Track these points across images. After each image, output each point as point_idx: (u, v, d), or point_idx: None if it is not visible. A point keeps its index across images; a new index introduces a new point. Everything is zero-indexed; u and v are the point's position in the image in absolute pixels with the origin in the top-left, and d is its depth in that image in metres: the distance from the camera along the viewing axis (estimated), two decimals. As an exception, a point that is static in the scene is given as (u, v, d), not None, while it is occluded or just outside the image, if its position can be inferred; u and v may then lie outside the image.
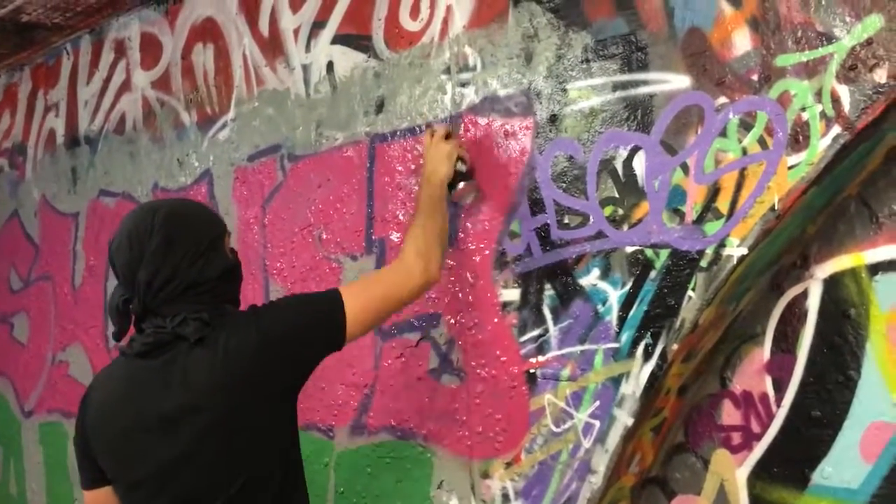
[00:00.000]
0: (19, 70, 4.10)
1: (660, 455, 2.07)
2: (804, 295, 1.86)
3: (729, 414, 1.96)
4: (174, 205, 1.85)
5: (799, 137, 1.66)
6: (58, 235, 3.80)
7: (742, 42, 1.75)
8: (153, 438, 1.69)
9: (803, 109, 1.66)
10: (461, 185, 2.13)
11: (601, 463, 1.94)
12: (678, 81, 1.84)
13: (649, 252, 1.88)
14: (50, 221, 3.87)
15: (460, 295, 2.24)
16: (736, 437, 1.95)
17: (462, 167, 2.14)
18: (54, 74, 3.85)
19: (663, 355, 1.85)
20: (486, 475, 2.17)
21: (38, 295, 3.94)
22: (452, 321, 2.26)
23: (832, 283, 1.82)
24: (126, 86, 3.41)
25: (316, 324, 1.79)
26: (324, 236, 2.60)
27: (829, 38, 1.62)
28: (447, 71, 2.28)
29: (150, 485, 1.72)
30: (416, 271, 1.91)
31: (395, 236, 2.39)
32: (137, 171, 3.33)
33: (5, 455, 4.20)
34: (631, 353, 1.90)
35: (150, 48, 3.29)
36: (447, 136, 2.13)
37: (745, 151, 1.74)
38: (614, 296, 1.94)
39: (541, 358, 2.07)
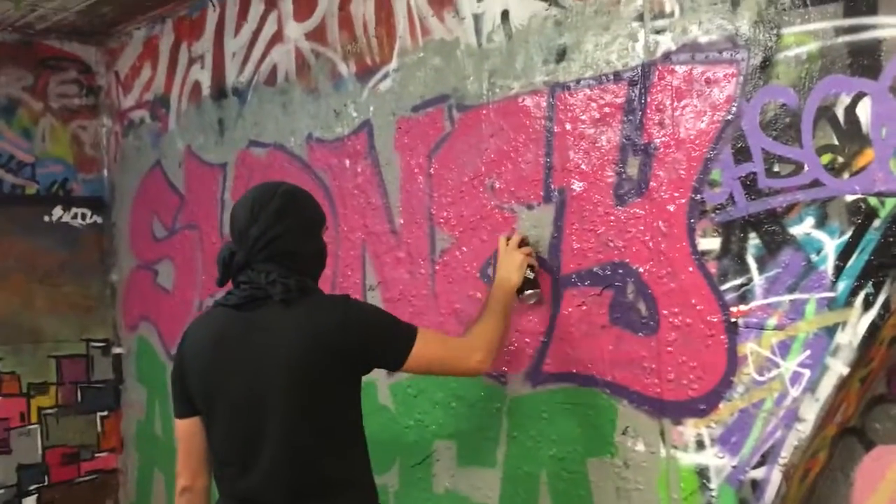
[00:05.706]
0: (160, 23, 4.19)
1: (860, 405, 2.06)
2: None
3: (942, 365, 1.94)
4: (294, 186, 2.16)
5: None
6: (204, 185, 3.91)
7: None
8: (235, 379, 2.00)
9: None
10: (528, 292, 2.42)
11: (811, 412, 1.94)
12: (913, 25, 1.79)
13: (873, 200, 1.84)
14: (196, 172, 3.98)
15: (651, 244, 2.24)
16: (948, 389, 1.93)
17: (530, 275, 2.42)
18: (199, 27, 3.92)
19: (886, 305, 1.83)
20: (678, 422, 2.19)
21: (184, 243, 4.07)
22: (641, 270, 2.26)
23: None
24: (278, 37, 3.45)
25: (389, 336, 2.09)
26: (497, 185, 2.62)
27: None
28: (639, 18, 2.25)
29: (226, 419, 2.04)
30: (475, 357, 2.19)
31: (576, 185, 2.40)
32: (290, 121, 3.39)
33: (150, 396, 4.40)
34: (849, 303, 1.88)
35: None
36: (521, 244, 2.44)
37: None
38: (831, 245, 1.91)
39: (743, 307, 2.06)
